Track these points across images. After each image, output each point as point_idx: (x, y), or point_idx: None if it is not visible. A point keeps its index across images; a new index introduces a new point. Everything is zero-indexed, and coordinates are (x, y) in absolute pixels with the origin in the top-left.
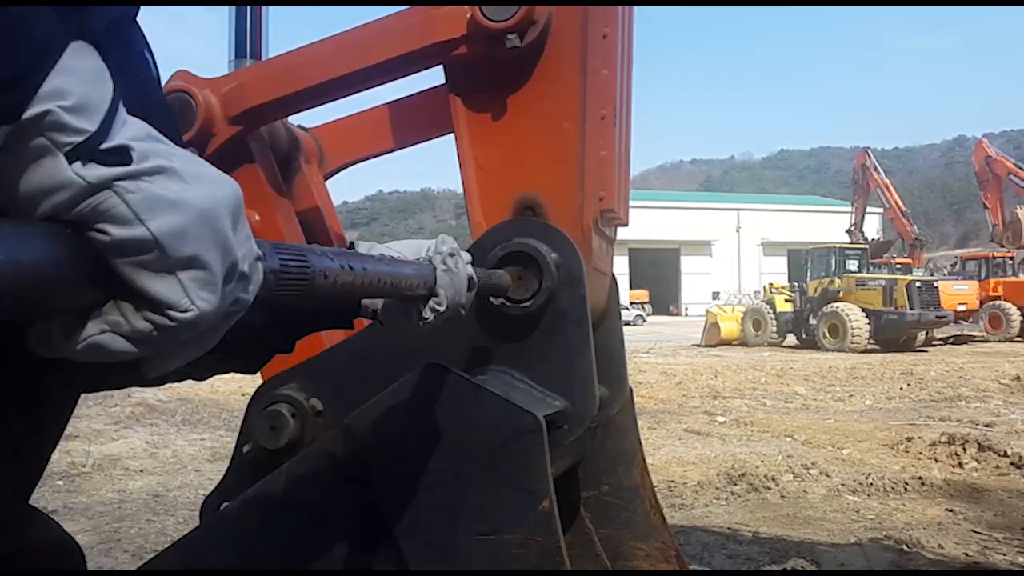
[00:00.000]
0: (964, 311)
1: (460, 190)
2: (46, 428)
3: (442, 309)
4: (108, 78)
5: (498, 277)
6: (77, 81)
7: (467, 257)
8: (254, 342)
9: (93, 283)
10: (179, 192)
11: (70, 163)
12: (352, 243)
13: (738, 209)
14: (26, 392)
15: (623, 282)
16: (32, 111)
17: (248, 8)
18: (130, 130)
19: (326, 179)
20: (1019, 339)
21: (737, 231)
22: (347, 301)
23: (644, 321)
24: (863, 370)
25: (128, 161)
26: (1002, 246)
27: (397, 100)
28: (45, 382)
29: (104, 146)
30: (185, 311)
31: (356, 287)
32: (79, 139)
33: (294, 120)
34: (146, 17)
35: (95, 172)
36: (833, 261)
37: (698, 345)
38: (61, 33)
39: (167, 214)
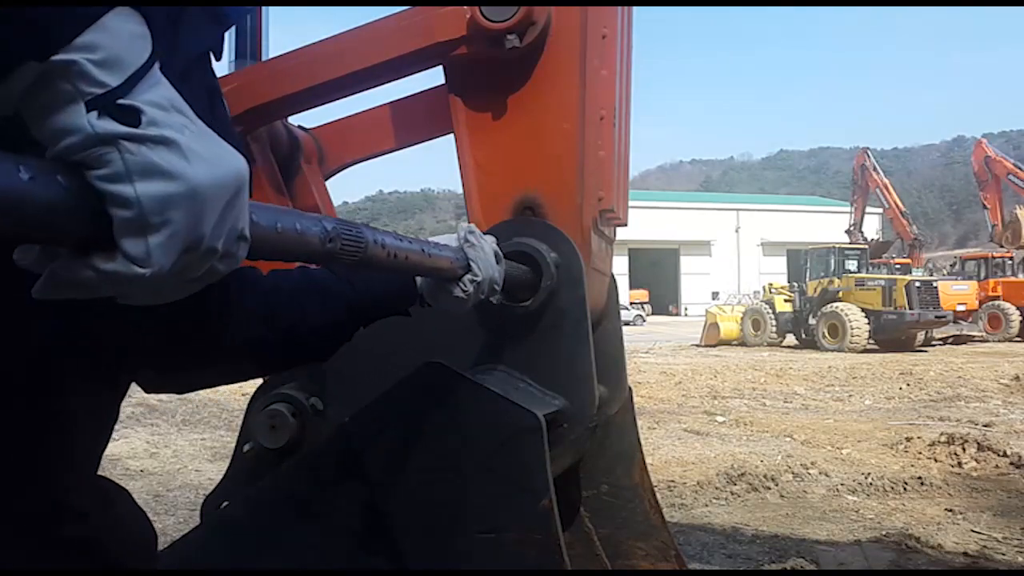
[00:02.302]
0: (963, 311)
1: (460, 190)
2: (119, 400)
3: (479, 279)
4: (148, 43)
5: (513, 268)
6: (110, 39)
7: (491, 239)
8: (331, 335)
9: (79, 223)
10: (174, 165)
11: (87, 111)
12: None
13: (737, 209)
14: (112, 361)
15: (622, 282)
16: (61, 57)
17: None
18: (154, 94)
19: (326, 179)
20: (1018, 339)
21: (736, 231)
22: (402, 282)
23: (643, 321)
24: (862, 370)
25: (137, 123)
26: (1001, 246)
27: (397, 100)
28: (127, 353)
29: (120, 102)
30: (141, 268)
31: (406, 260)
32: (99, 91)
33: (294, 120)
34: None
35: (105, 125)
36: (832, 261)
37: (697, 345)
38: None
39: (156, 182)
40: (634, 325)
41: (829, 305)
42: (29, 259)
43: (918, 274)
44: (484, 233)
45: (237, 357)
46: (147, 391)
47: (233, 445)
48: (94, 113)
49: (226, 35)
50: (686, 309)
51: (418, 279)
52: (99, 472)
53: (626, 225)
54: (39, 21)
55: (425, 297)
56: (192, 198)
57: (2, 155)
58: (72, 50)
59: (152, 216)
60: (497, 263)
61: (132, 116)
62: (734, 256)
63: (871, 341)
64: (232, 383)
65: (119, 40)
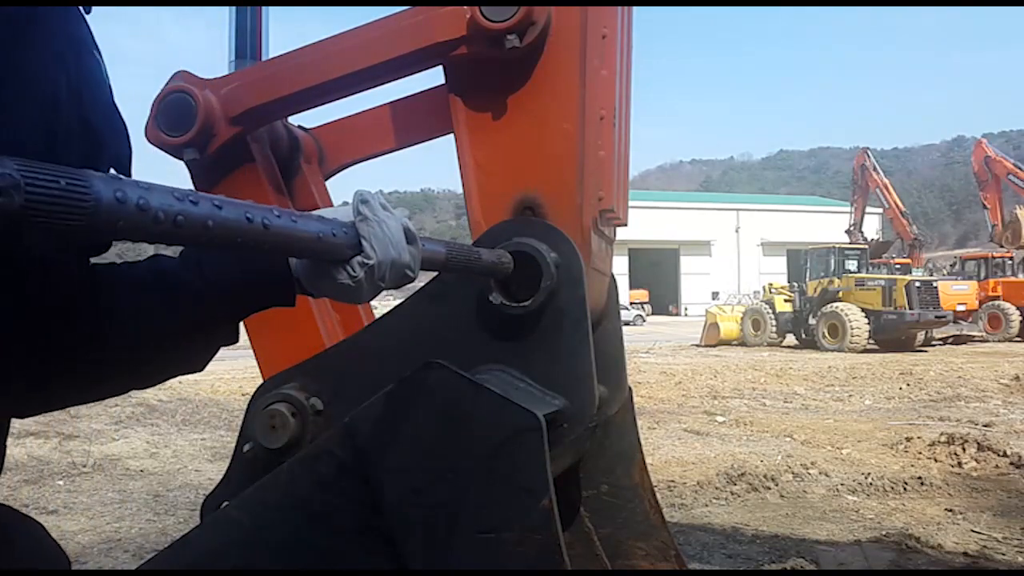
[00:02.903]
0: (963, 311)
1: (460, 190)
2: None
3: (371, 262)
4: None
5: (497, 256)
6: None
7: (403, 211)
8: (189, 331)
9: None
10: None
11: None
12: None
13: (737, 209)
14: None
15: (622, 282)
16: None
17: (248, 8)
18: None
19: (326, 179)
20: (1018, 339)
21: (736, 231)
22: (268, 267)
23: (643, 321)
24: (862, 370)
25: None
26: (1001, 246)
27: (397, 100)
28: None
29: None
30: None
31: (206, 229)
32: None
33: (294, 120)
34: (148, 17)
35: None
36: (832, 261)
37: (697, 345)
38: None
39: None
40: (634, 325)
41: (829, 305)
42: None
43: (918, 274)
44: (485, 233)
45: (79, 369)
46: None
47: (233, 445)
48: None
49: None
50: (686, 309)
51: (292, 261)
52: (99, 472)
53: (626, 225)
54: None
55: (303, 283)
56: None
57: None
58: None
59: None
60: (409, 243)
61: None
62: (734, 256)
63: (871, 341)
64: (83, 402)
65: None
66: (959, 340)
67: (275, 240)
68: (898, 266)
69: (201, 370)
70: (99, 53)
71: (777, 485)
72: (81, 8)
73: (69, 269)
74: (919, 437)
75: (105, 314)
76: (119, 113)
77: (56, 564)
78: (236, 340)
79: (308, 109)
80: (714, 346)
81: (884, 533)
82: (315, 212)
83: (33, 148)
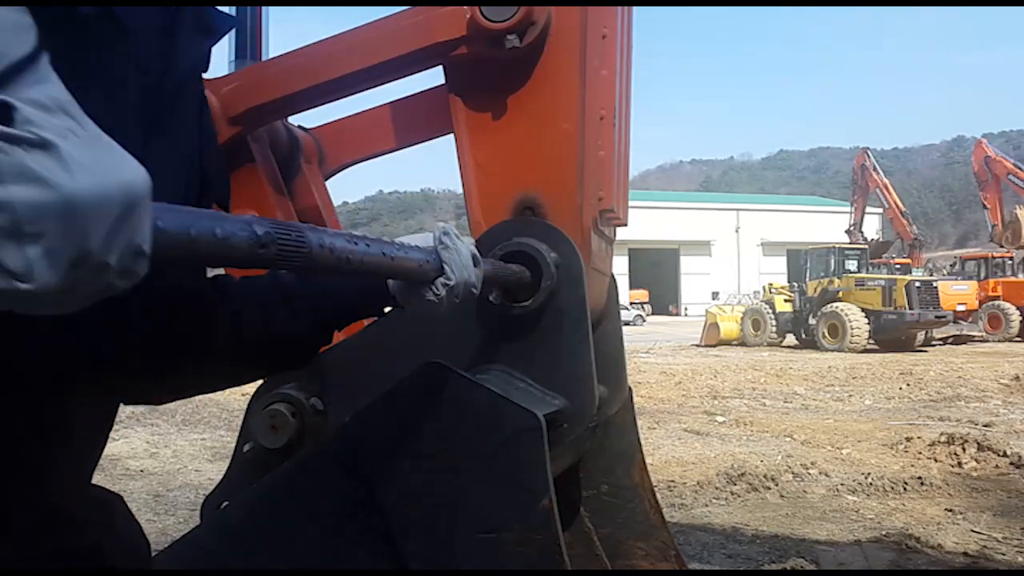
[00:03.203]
0: (963, 311)
1: (460, 190)
2: (114, 410)
3: (452, 283)
4: (31, 34)
5: (509, 269)
6: None
7: (469, 240)
8: (300, 342)
9: None
10: (51, 171)
11: None
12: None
13: (737, 209)
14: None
15: (622, 282)
16: None
17: (248, 8)
18: (36, 92)
19: (326, 179)
20: (1018, 339)
21: (736, 231)
22: (372, 285)
23: (643, 321)
24: (862, 370)
25: (8, 121)
26: (1001, 246)
27: (397, 100)
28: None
29: None
30: (25, 283)
31: (363, 264)
32: None
33: (294, 120)
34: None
35: None
36: (832, 261)
37: (697, 345)
38: None
39: (30, 187)
40: (634, 325)
41: (829, 305)
42: None
43: (918, 274)
44: (485, 233)
45: (208, 367)
46: (128, 403)
47: (233, 445)
48: None
49: (216, 44)
50: (686, 309)
51: (390, 281)
52: (99, 472)
53: (626, 225)
54: None
55: (397, 299)
56: (69, 209)
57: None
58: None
59: (27, 224)
60: (475, 266)
61: (5, 113)
62: (734, 256)
63: (871, 341)
64: (203, 393)
65: None
66: (959, 340)
67: (396, 267)
68: (898, 266)
69: (304, 367)
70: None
71: (777, 485)
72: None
73: (186, 282)
74: (919, 437)
75: (232, 319)
76: (224, 157)
77: (140, 536)
78: (331, 342)
79: (308, 109)
80: (714, 346)
81: (884, 533)
82: (404, 240)
83: (175, 196)
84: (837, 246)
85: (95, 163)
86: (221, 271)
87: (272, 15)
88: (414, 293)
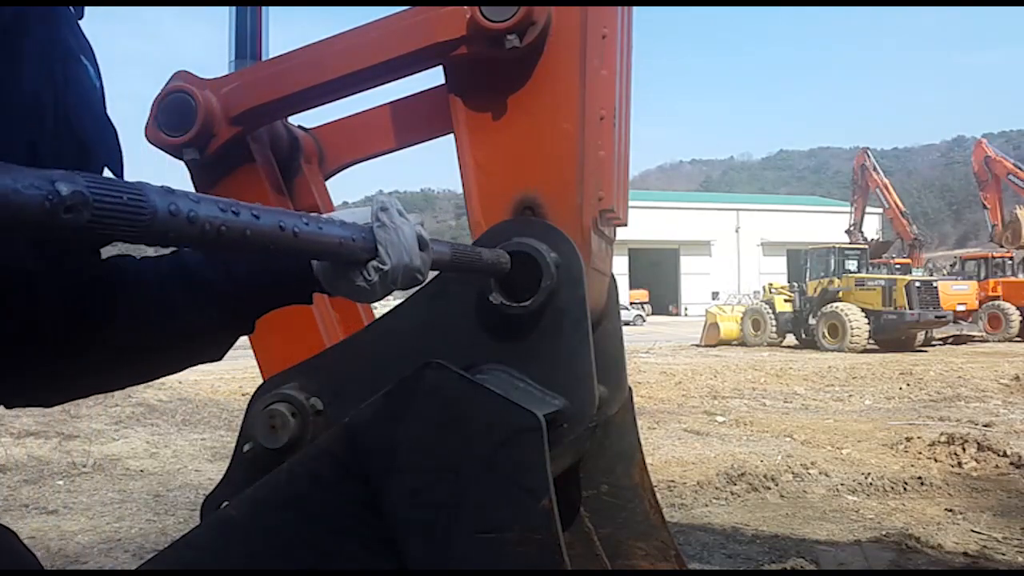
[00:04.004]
0: (963, 311)
1: (460, 190)
2: None
3: (387, 267)
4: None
5: (496, 255)
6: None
7: (416, 218)
8: (208, 335)
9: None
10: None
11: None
12: None
13: (737, 209)
14: None
15: (622, 282)
16: (372, 265)
17: (248, 8)
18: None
19: (326, 179)
20: (1018, 339)
21: (736, 231)
22: (290, 266)
23: (643, 321)
24: (862, 370)
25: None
26: (1001, 246)
27: (397, 100)
28: None
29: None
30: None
31: (243, 236)
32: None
33: (294, 120)
34: (148, 17)
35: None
36: (832, 261)
37: (697, 345)
38: None
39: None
40: (634, 325)
41: (829, 305)
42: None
43: (918, 274)
44: (485, 233)
45: (102, 365)
46: (7, 406)
47: (233, 445)
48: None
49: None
50: (686, 309)
51: (315, 262)
52: (99, 472)
53: (626, 225)
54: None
55: (322, 283)
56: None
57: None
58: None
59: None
60: (421, 249)
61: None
62: (734, 256)
63: (871, 341)
64: (109, 390)
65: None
66: (959, 340)
67: (302, 246)
68: (898, 266)
69: (220, 359)
70: (91, 59)
71: (777, 485)
72: (72, 10)
73: (77, 268)
74: (919, 437)
75: (127, 308)
76: (110, 121)
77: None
78: (252, 331)
79: (308, 109)
80: (714, 346)
81: (884, 533)
82: (336, 214)
83: (14, 158)
84: (837, 246)
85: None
86: (113, 250)
87: (272, 15)
88: (341, 277)
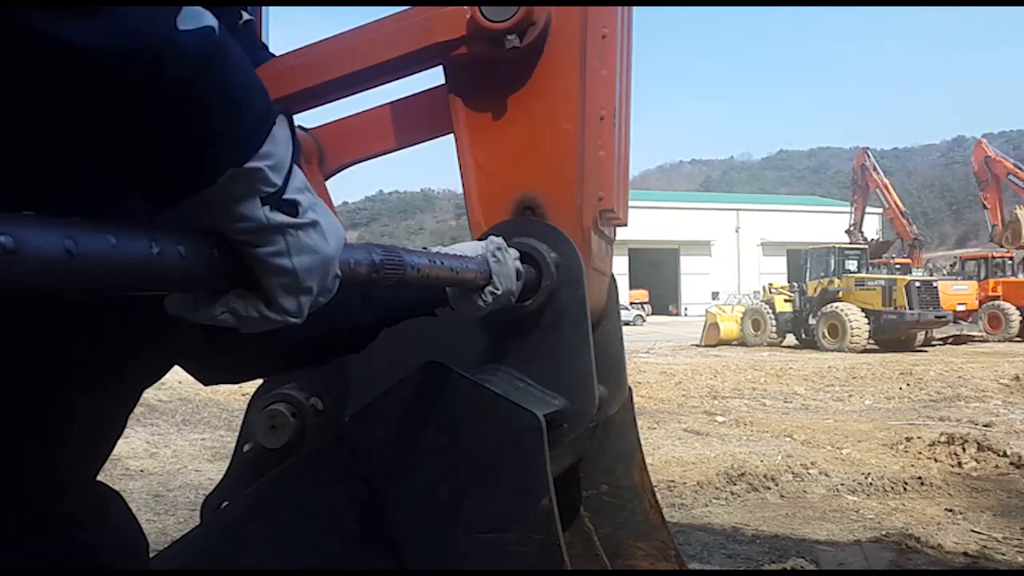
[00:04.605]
0: (963, 311)
1: (460, 190)
2: (123, 410)
3: (499, 292)
4: (290, 143)
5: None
6: (276, 147)
7: (515, 253)
8: (367, 335)
9: (227, 277)
10: (318, 243)
11: (262, 206)
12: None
13: (737, 209)
14: (111, 369)
15: (622, 282)
16: (251, 165)
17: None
18: (296, 182)
19: (326, 179)
20: (1018, 339)
21: (736, 231)
22: (433, 291)
23: (643, 321)
24: (862, 370)
25: (295, 214)
26: (1001, 246)
27: (397, 100)
28: (126, 364)
29: (284, 197)
30: (291, 316)
31: (437, 277)
32: (271, 190)
33: (294, 120)
34: None
35: (276, 217)
36: (832, 261)
37: (697, 345)
38: (272, 107)
39: (307, 256)
40: (634, 325)
41: (829, 305)
42: (176, 307)
43: (918, 274)
44: (485, 233)
45: (288, 353)
46: (204, 383)
47: (233, 445)
48: (267, 207)
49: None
50: (686, 309)
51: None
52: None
53: (626, 225)
54: (235, 134)
55: (450, 302)
56: (328, 265)
57: (139, 231)
58: (257, 159)
59: (304, 281)
60: (517, 279)
61: (293, 208)
62: (734, 256)
63: (871, 341)
64: (278, 374)
65: (281, 146)
66: (959, 340)
67: (456, 279)
68: (898, 266)
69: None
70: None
71: (777, 485)
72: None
73: None
74: (919, 437)
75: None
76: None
77: (138, 534)
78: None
79: (308, 109)
80: (714, 346)
81: (884, 533)
82: (455, 248)
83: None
84: (837, 246)
85: (332, 227)
86: None
87: (272, 15)
88: (466, 299)
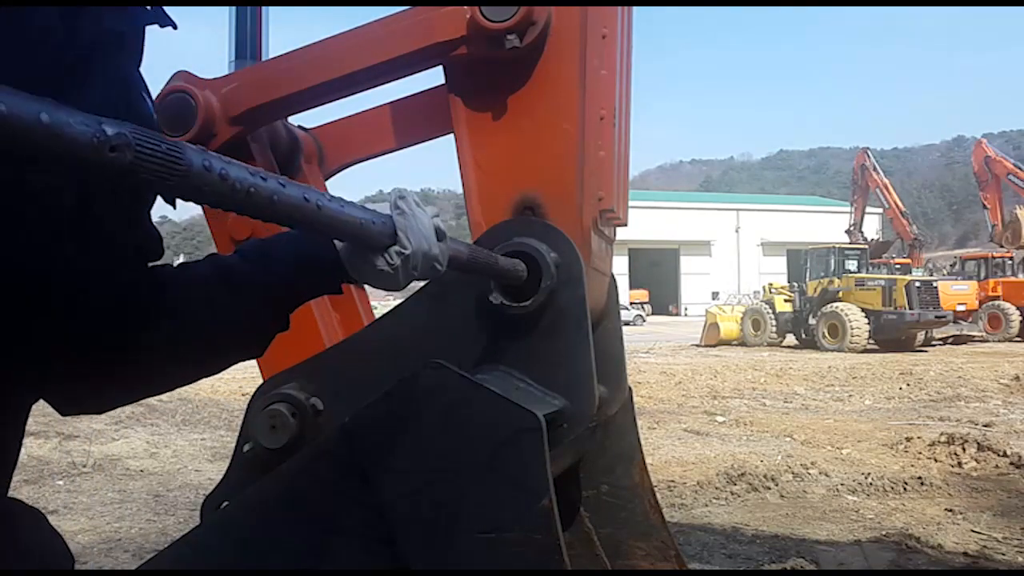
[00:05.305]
0: (963, 311)
1: (460, 190)
2: (18, 417)
3: (408, 251)
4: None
5: (512, 263)
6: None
7: (432, 210)
8: (253, 329)
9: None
10: (405, 245)
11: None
12: None
13: (737, 209)
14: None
15: (622, 282)
16: (395, 250)
17: (248, 8)
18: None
19: (326, 179)
20: (1018, 339)
21: (736, 231)
22: (321, 252)
23: (643, 321)
24: (862, 370)
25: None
26: (1001, 246)
27: (397, 100)
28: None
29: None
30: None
31: (270, 201)
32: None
33: (294, 120)
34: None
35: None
36: (832, 261)
37: (697, 345)
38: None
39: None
40: (634, 325)
41: (829, 305)
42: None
43: (918, 274)
44: (485, 233)
45: (152, 364)
46: (62, 413)
47: (233, 445)
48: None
49: (145, 28)
50: (686, 309)
51: (339, 245)
52: (99, 472)
53: (626, 225)
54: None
55: (347, 268)
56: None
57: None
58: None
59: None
60: (439, 240)
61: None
62: (734, 256)
63: (871, 341)
64: (156, 394)
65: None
66: (959, 340)
67: (325, 221)
68: (898, 266)
69: (261, 355)
70: (149, 96)
71: (777, 485)
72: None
73: (123, 275)
74: (919, 437)
75: (171, 311)
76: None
77: (60, 559)
78: (288, 327)
79: (308, 109)
80: (714, 346)
81: (884, 533)
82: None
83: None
84: (837, 246)
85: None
86: (160, 262)
87: (272, 15)
88: (364, 260)
